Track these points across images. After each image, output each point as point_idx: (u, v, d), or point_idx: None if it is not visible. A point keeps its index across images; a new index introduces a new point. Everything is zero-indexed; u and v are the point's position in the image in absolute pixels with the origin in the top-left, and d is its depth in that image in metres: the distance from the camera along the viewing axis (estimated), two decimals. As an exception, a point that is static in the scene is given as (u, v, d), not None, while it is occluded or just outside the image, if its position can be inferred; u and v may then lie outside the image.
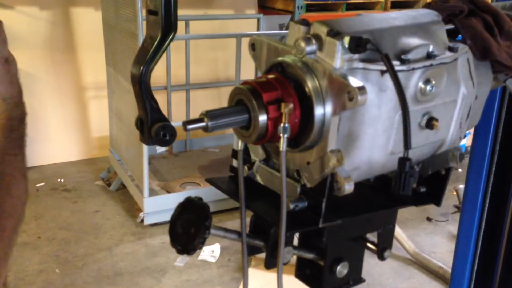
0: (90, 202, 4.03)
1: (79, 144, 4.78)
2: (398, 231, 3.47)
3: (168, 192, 3.89)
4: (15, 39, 4.04)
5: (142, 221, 3.67)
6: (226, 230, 0.82)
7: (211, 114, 0.74)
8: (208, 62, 5.05)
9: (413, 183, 0.73)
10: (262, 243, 0.87)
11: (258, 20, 4.62)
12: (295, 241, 0.94)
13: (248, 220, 0.91)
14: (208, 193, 3.64)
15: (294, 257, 0.93)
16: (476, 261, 1.95)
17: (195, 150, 4.80)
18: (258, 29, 4.60)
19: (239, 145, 0.86)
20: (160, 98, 4.53)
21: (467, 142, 4.43)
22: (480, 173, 1.83)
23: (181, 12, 5.27)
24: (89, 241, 3.51)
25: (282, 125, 0.74)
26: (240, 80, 4.03)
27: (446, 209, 3.99)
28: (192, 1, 5.00)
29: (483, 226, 1.89)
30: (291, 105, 0.75)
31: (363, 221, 0.92)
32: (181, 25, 4.36)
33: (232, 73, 4.03)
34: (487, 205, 1.86)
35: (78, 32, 4.61)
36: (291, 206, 0.80)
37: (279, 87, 0.77)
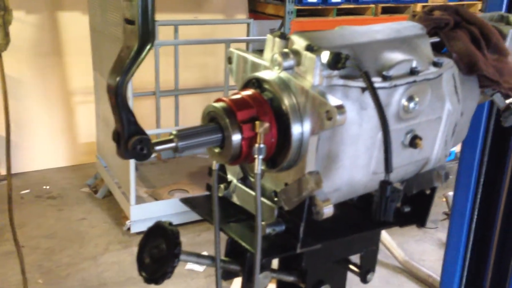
0: (76, 210, 3.96)
1: (66, 150, 4.70)
2: (387, 238, 3.43)
3: (156, 199, 3.83)
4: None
5: (128, 229, 3.61)
6: (199, 255, 0.78)
7: (181, 134, 0.70)
8: (197, 67, 5.01)
9: (394, 207, 0.70)
10: (238, 268, 0.83)
11: (248, 25, 4.58)
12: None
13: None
14: (196, 201, 3.59)
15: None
16: (466, 270, 1.92)
17: (185, 156, 4.74)
18: (248, 34, 4.56)
19: (213, 164, 0.81)
20: (149, 104, 4.47)
21: (456, 148, 4.41)
22: (468, 181, 1.80)
23: (170, 16, 5.20)
24: (74, 250, 3.44)
25: (257, 145, 0.70)
26: (229, 86, 3.99)
27: (436, 216, 3.96)
28: (182, 5, 4.95)
29: (472, 234, 1.86)
30: (266, 124, 0.71)
31: (345, 243, 0.88)
32: (170, 30, 4.31)
33: (222, 79, 3.99)
34: (476, 213, 1.83)
35: (65, 37, 4.54)
36: (267, 231, 0.76)
37: (255, 105, 0.73)
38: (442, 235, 3.68)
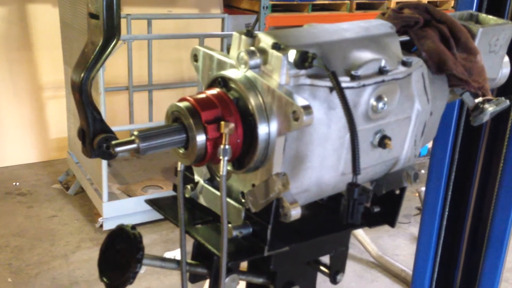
0: (47, 207, 3.87)
1: (36, 146, 4.59)
2: (361, 233, 3.45)
3: (129, 196, 3.77)
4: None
5: (101, 226, 3.55)
6: (163, 259, 0.76)
7: (143, 135, 0.68)
8: (171, 62, 4.94)
9: (362, 209, 0.68)
10: (205, 271, 0.81)
11: (223, 20, 4.53)
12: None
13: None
14: (170, 197, 3.54)
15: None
16: (437, 264, 1.94)
17: (159, 152, 4.68)
18: (222, 29, 4.51)
19: (178, 165, 0.79)
20: (122, 99, 4.39)
21: (429, 143, 4.46)
22: (440, 177, 1.82)
23: (144, 10, 5.10)
24: (44, 248, 3.36)
25: (222, 146, 0.68)
26: (203, 81, 3.95)
27: (409, 211, 4.01)
28: (156, -1, 4.88)
29: (443, 229, 1.88)
30: (232, 125, 0.69)
31: (314, 245, 0.87)
32: (143, 24, 4.24)
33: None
34: (447, 208, 1.85)
35: (34, 30, 4.43)
36: (234, 233, 0.74)
37: (220, 105, 0.70)
38: (415, 229, 3.72)
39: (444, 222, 1.85)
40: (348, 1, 5.25)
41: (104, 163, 3.43)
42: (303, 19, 5.11)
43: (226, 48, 4.18)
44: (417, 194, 4.09)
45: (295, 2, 5.11)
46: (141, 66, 4.41)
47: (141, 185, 3.97)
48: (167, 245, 3.46)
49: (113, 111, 4.38)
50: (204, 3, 5.16)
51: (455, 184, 1.81)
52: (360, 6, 5.36)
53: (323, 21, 5.33)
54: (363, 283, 3.20)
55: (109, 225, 3.53)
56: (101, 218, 3.54)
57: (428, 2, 5.65)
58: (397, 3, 5.49)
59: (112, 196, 3.63)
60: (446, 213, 1.83)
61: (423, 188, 3.58)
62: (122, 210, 3.55)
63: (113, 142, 0.67)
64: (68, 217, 3.75)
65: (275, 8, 4.98)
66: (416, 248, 1.96)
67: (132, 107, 4.31)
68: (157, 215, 3.94)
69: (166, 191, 3.83)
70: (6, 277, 3.08)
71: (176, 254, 3.39)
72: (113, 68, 4.21)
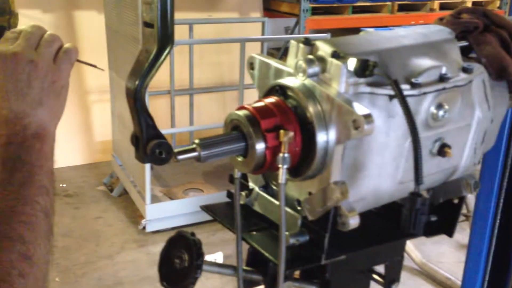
0: (92, 208, 3.98)
1: (82, 149, 4.72)
2: (404, 240, 3.40)
3: (171, 198, 3.83)
4: (17, 43, 3.99)
5: (144, 228, 3.61)
6: (221, 265, 0.77)
7: (204, 143, 0.69)
8: (212, 66, 5.00)
9: (424, 220, 0.67)
10: (260, 277, 0.81)
11: (263, 23, 4.55)
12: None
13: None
14: (211, 200, 3.57)
15: None
16: (487, 274, 1.88)
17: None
18: (263, 33, 4.53)
19: (235, 172, 0.80)
20: (163, 103, 4.47)
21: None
22: (492, 184, 1.76)
23: (185, 15, 5.16)
24: (90, 249, 3.45)
25: (281, 155, 0.69)
26: (244, 85, 3.97)
27: (454, 217, 3.91)
28: (196, 4, 4.94)
29: (494, 239, 1.82)
30: (291, 134, 0.69)
31: (369, 253, 0.86)
32: (184, 29, 4.30)
33: (237, 77, 3.97)
34: (498, 217, 1.79)
35: (81, 35, 4.56)
36: (291, 241, 0.74)
37: (279, 113, 0.71)
38: (460, 236, 3.61)
39: (496, 231, 1.79)
40: (390, 3, 5.16)
41: (147, 166, 3.50)
42: (343, 22, 5.06)
43: (267, 52, 4.19)
44: (462, 200, 3.97)
45: (335, 5, 5.07)
46: (182, 70, 4.47)
47: (182, 188, 4.03)
48: (208, 247, 3.46)
49: (155, 114, 4.44)
50: (244, 7, 5.20)
51: (507, 191, 1.75)
52: (402, 8, 5.27)
53: (364, 23, 5.23)
54: (406, 290, 3.14)
55: (152, 227, 3.60)
56: (144, 220, 3.61)
57: (473, 3, 5.50)
58: (440, 4, 5.36)
59: (154, 199, 3.69)
60: (498, 221, 1.77)
61: (469, 195, 3.47)
62: (164, 212, 3.61)
63: (175, 150, 0.68)
64: (112, 218, 3.84)
65: (315, 11, 4.95)
66: (466, 257, 1.90)
67: (174, 111, 4.38)
68: (197, 218, 3.98)
69: (207, 194, 3.87)
70: (54, 276, 3.17)
71: (216, 257, 3.41)
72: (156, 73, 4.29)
